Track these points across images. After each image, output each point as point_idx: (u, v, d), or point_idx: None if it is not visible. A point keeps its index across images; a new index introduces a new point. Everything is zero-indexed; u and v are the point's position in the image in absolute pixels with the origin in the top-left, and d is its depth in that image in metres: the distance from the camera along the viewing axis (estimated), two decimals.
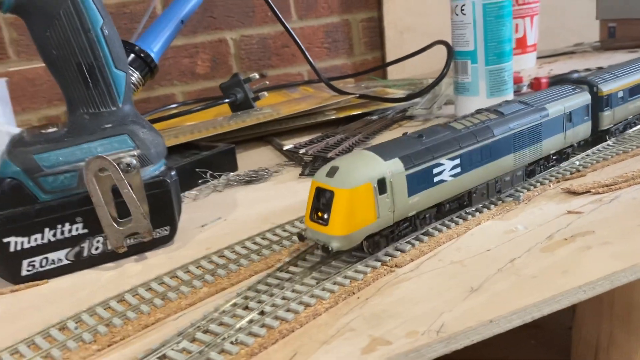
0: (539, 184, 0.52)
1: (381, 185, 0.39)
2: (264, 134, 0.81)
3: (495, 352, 0.55)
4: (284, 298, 0.36)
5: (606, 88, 0.58)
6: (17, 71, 1.10)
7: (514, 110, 0.50)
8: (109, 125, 0.46)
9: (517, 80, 0.93)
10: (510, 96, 0.76)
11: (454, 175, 0.44)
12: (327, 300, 0.36)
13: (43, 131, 0.46)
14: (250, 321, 0.34)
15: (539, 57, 1.20)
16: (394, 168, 0.40)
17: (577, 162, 0.55)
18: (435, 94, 0.90)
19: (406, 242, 0.42)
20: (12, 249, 0.43)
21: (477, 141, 0.45)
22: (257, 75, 0.87)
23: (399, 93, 0.91)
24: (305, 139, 0.75)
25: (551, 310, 0.35)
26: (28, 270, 0.44)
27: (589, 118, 0.56)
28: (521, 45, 1.12)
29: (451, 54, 0.78)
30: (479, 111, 0.50)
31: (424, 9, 1.39)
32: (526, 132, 0.49)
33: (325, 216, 0.38)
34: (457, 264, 0.40)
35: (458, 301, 0.35)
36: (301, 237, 0.42)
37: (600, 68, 0.83)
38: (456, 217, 0.46)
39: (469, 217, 0.46)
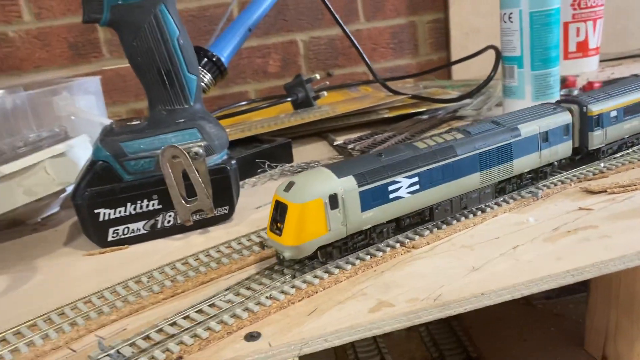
0: (560, 182, 0.56)
1: (333, 201, 0.42)
2: (321, 130, 0.88)
3: (515, 334, 0.59)
4: (313, 267, 0.44)
5: (596, 108, 0.58)
6: (110, 68, 1.24)
7: (482, 130, 0.51)
8: (182, 120, 0.55)
9: (571, 84, 0.95)
10: (556, 100, 0.80)
11: (412, 192, 0.46)
12: (348, 271, 0.43)
13: (128, 123, 0.56)
14: (283, 282, 0.42)
15: (603, 60, 1.20)
16: (346, 185, 0.43)
17: (602, 164, 0.59)
18: (488, 95, 0.94)
19: (425, 228, 0.49)
20: (101, 218, 0.53)
21: (438, 160, 0.47)
22: (317, 76, 0.95)
23: (452, 94, 0.96)
24: (357, 135, 0.82)
25: (539, 290, 0.40)
26: (113, 237, 0.54)
27: (569, 137, 0.57)
28: (582, 48, 1.13)
29: (499, 58, 0.82)
30: (448, 130, 0.51)
31: (490, 10, 1.41)
32: (494, 152, 0.50)
33: (281, 227, 0.42)
34: (466, 248, 0.46)
35: (459, 277, 0.41)
36: (263, 245, 0.47)
37: None
38: (476, 208, 0.52)
39: (488, 209, 0.52)
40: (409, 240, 0.47)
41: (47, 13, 1.23)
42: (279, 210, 0.42)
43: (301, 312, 0.39)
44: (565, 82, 0.97)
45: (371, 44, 1.45)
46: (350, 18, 1.42)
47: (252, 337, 0.37)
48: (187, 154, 0.53)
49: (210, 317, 0.38)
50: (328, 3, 0.98)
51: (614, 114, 0.60)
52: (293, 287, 0.41)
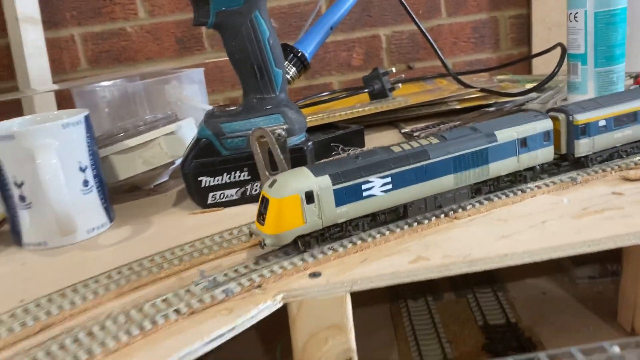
0: (601, 170, 0.62)
1: (309, 196, 0.48)
2: (394, 120, 0.97)
3: (555, 307, 0.66)
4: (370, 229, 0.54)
5: (582, 117, 0.60)
6: (211, 61, 1.39)
7: (458, 136, 0.55)
8: (269, 107, 0.66)
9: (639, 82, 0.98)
10: None
11: (385, 192, 0.51)
12: (397, 233, 0.52)
13: (227, 109, 0.68)
14: (342, 237, 0.52)
15: None
16: (322, 183, 0.48)
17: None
18: (557, 90, 0.99)
19: (469, 203, 0.57)
20: (203, 185, 0.66)
21: (410, 163, 0.52)
22: (394, 70, 1.03)
23: (523, 88, 1.01)
24: (425, 124, 0.90)
25: (557, 256, 0.47)
26: (212, 200, 0.67)
27: (550, 143, 0.59)
28: None
29: (564, 55, 0.87)
30: (426, 137, 0.55)
31: None
32: (469, 156, 0.54)
33: (264, 218, 0.48)
34: (501, 221, 0.53)
35: (489, 242, 0.49)
36: (251, 234, 0.52)
37: None
38: (517, 189, 0.59)
39: (528, 190, 0.59)
40: (452, 212, 0.55)
41: (159, 10, 1.40)
42: (264, 204, 0.49)
43: (354, 261, 0.49)
44: (638, 78, 0.99)
45: (452, 38, 1.51)
46: (433, 14, 1.48)
47: (314, 275, 0.47)
48: (271, 135, 0.64)
49: (283, 259, 0.49)
50: (404, 1, 1.06)
51: (602, 123, 0.61)
52: (350, 242, 0.51)
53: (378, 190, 0.51)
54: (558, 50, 0.93)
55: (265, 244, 0.48)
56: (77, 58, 1.41)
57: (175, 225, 0.64)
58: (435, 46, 1.06)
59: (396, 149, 0.53)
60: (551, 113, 0.62)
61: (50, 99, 1.29)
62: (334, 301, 0.46)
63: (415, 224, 0.54)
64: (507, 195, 0.58)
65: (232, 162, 0.66)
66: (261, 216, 0.49)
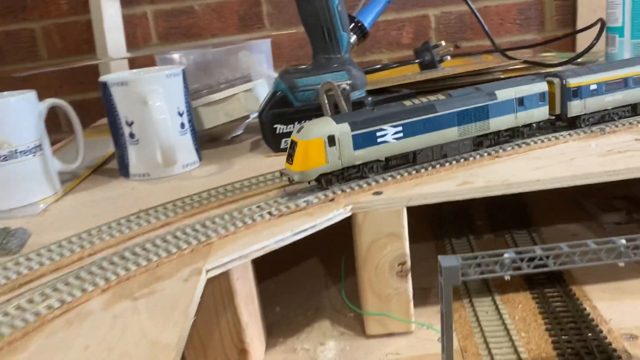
0: (628, 123, 0.70)
1: (331, 140, 0.56)
2: (441, 88, 1.06)
3: None
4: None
5: (574, 81, 0.67)
6: (274, 34, 1.50)
7: (462, 94, 0.63)
8: (335, 65, 0.77)
9: None
10: None
11: (397, 139, 0.59)
12: (447, 167, 0.62)
13: (299, 67, 0.79)
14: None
15: None
16: (342, 129, 0.56)
17: None
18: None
19: (508, 146, 0.66)
20: (277, 131, 0.77)
21: (419, 115, 0.60)
22: (443, 43, 1.12)
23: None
24: None
25: (580, 183, 0.56)
26: (284, 145, 0.78)
27: (545, 104, 0.66)
28: None
29: (603, 29, 0.94)
30: (434, 94, 0.64)
31: None
32: (471, 111, 0.62)
33: (292, 158, 0.56)
34: (536, 158, 0.63)
35: (524, 173, 0.59)
36: (281, 174, 0.59)
37: None
38: (552, 136, 0.68)
39: (560, 137, 0.67)
40: (495, 151, 0.65)
41: None
42: (292, 147, 0.56)
43: (410, 185, 0.59)
44: None
45: (498, 19, 1.58)
46: None
47: (377, 193, 0.58)
48: (338, 89, 0.74)
49: (354, 182, 0.60)
50: None
51: (594, 87, 0.68)
52: (406, 172, 0.62)
53: (390, 138, 0.58)
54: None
55: (293, 180, 0.57)
56: (148, 34, 1.54)
57: (254, 164, 0.76)
58: (483, 22, 1.15)
59: (407, 103, 0.61)
60: (547, 77, 0.68)
61: (124, 68, 1.42)
62: (393, 213, 0.56)
63: (462, 160, 0.64)
64: (542, 141, 0.67)
65: (303, 112, 0.76)
66: (290, 158, 0.57)
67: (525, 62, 1.05)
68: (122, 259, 0.48)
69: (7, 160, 0.66)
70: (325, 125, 0.57)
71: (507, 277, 0.47)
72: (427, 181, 0.60)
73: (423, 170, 0.62)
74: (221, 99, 0.84)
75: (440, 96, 0.62)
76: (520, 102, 0.64)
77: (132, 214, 0.59)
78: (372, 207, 0.56)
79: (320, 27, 0.75)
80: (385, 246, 0.57)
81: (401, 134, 0.59)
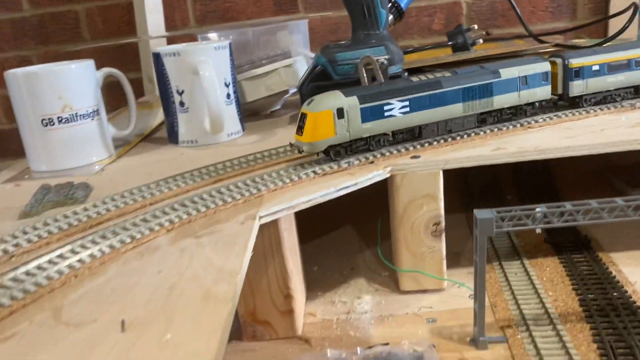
0: (596, 109, 0.71)
1: (340, 112, 0.58)
2: None
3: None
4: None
5: (576, 61, 0.69)
6: (310, 15, 1.53)
7: (468, 71, 0.64)
8: (374, 41, 0.80)
9: None
10: None
11: (403, 113, 0.61)
12: (481, 135, 0.66)
13: (339, 43, 0.83)
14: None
15: None
16: (351, 102, 0.58)
17: None
18: None
19: (540, 117, 0.69)
20: None
21: (426, 90, 0.61)
22: (476, 27, 1.15)
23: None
24: None
25: (610, 150, 0.59)
26: None
27: (548, 83, 0.68)
28: None
29: (635, 13, 0.96)
30: (439, 70, 0.65)
31: None
32: (476, 88, 0.64)
33: (302, 130, 0.58)
34: (567, 129, 0.66)
35: (555, 141, 0.62)
36: (291, 145, 0.61)
37: None
38: (583, 110, 0.70)
39: (591, 111, 0.70)
40: (527, 122, 0.68)
41: None
42: (302, 119, 0.58)
43: (446, 150, 0.63)
44: None
45: (530, 7, 1.59)
46: None
47: (415, 157, 0.61)
48: (376, 63, 0.78)
49: (394, 147, 0.63)
50: None
51: (596, 68, 0.69)
52: (442, 139, 0.65)
53: (397, 112, 0.60)
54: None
55: (302, 151, 0.59)
56: (186, 17, 1.59)
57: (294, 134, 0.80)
58: (516, 6, 1.17)
59: (414, 79, 0.63)
60: (551, 58, 0.70)
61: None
62: (430, 175, 0.60)
63: (495, 129, 0.67)
64: (573, 114, 0.70)
65: (342, 86, 0.80)
66: (300, 129, 0.59)
67: (556, 45, 1.07)
68: (183, 206, 0.52)
69: (68, 122, 0.71)
70: (334, 98, 0.59)
71: (538, 230, 0.51)
72: (462, 147, 0.63)
73: (458, 137, 0.65)
74: (262, 74, 0.88)
75: (446, 73, 0.64)
76: (524, 80, 0.66)
77: (186, 171, 0.63)
78: (410, 169, 0.60)
79: (360, 4, 0.79)
80: (422, 207, 0.61)
81: (408, 109, 0.61)
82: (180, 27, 1.60)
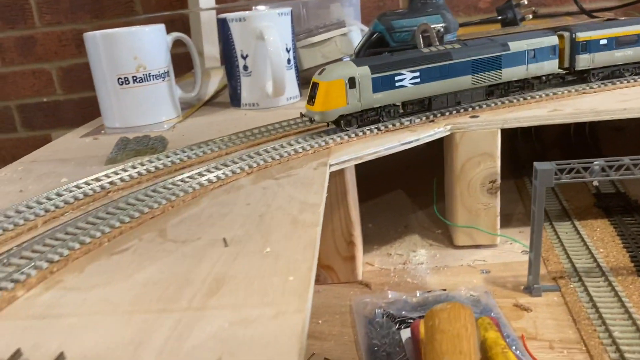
0: (602, 85, 0.71)
1: (351, 82, 0.57)
2: None
3: None
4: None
5: (583, 35, 0.67)
6: None
7: (477, 44, 0.64)
8: (431, 9, 0.83)
9: None
10: None
11: (414, 84, 0.60)
12: (537, 99, 0.68)
13: (396, 11, 0.86)
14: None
15: None
16: (363, 72, 0.57)
17: None
18: None
19: (596, 85, 0.71)
20: None
21: (436, 61, 0.61)
22: (525, 2, 1.16)
23: None
24: None
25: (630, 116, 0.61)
26: None
27: (556, 57, 0.68)
28: None
29: None
30: (450, 42, 0.66)
31: None
32: (485, 60, 0.63)
33: (314, 100, 0.58)
34: (623, 94, 0.67)
35: (611, 104, 0.64)
36: (302, 115, 0.61)
37: None
38: (617, 81, 0.72)
39: (624, 82, 0.71)
40: (582, 88, 0.70)
41: None
42: (314, 89, 0.58)
43: (504, 111, 0.65)
44: None
45: None
46: None
47: (474, 117, 0.64)
48: (433, 30, 0.80)
49: (453, 107, 0.66)
50: None
51: (603, 42, 0.68)
52: (500, 101, 0.67)
53: (408, 82, 0.60)
54: None
55: (314, 120, 0.59)
56: None
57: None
58: None
59: (425, 50, 0.63)
60: (559, 31, 0.70)
61: (212, 19, 1.52)
62: (488, 134, 0.63)
63: (551, 93, 0.69)
64: (628, 81, 0.71)
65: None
66: (311, 99, 0.58)
67: (608, 20, 1.08)
68: (258, 155, 0.56)
69: (142, 82, 0.76)
70: (346, 68, 0.58)
71: (595, 183, 0.53)
72: (519, 109, 0.66)
73: (515, 100, 0.68)
74: (319, 42, 0.92)
75: (456, 45, 0.64)
76: (532, 54, 0.66)
77: (254, 127, 0.67)
78: (469, 128, 0.63)
79: None
80: (479, 164, 0.64)
81: (418, 79, 0.61)
82: (230, 2, 1.64)
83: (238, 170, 0.53)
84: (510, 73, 0.66)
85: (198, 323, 0.30)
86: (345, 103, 0.58)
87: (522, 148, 0.99)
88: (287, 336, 0.28)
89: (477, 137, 0.63)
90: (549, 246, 0.65)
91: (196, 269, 0.35)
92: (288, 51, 0.82)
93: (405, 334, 0.50)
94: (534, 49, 0.66)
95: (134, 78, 0.75)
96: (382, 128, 0.63)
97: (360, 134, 0.61)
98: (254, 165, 0.54)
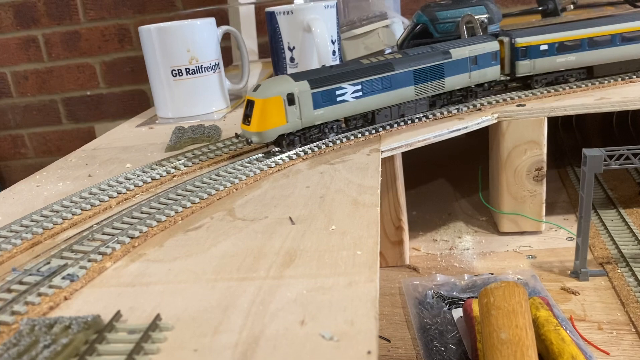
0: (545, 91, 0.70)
1: (290, 98, 0.53)
2: None
3: None
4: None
5: (523, 40, 0.65)
6: None
7: (418, 53, 0.61)
8: (474, 1, 0.84)
9: None
10: None
11: (356, 98, 0.56)
12: (583, 88, 0.69)
13: (439, 2, 0.87)
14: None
15: None
16: (302, 87, 0.53)
17: None
18: None
19: (637, 75, 0.71)
20: None
21: (378, 73, 0.57)
22: None
23: None
24: None
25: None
26: None
27: (497, 63, 0.65)
28: None
29: None
30: (391, 53, 0.61)
31: None
32: (427, 70, 0.60)
33: (250, 119, 0.53)
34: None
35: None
36: (237, 136, 0.57)
37: None
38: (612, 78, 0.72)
39: (619, 80, 0.71)
40: (628, 77, 0.70)
41: None
42: (249, 107, 0.53)
43: (551, 100, 0.66)
44: None
45: None
46: None
47: (521, 105, 0.65)
48: (477, 21, 0.82)
49: (499, 95, 0.68)
50: None
51: (544, 47, 0.66)
52: (546, 90, 0.68)
53: (350, 97, 0.56)
54: None
55: (251, 142, 0.54)
56: None
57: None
58: None
59: (365, 62, 0.59)
60: (499, 37, 0.68)
61: (251, 14, 1.56)
62: (534, 122, 0.64)
63: (597, 82, 0.69)
64: (602, 83, 0.71)
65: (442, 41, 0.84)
66: (247, 118, 0.54)
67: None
68: (311, 141, 0.59)
69: (194, 74, 0.79)
70: (284, 83, 0.54)
71: None
72: (566, 98, 0.66)
73: (561, 89, 0.68)
74: (362, 34, 0.94)
75: (397, 55, 0.61)
76: (474, 61, 0.64)
77: None
78: (516, 116, 0.64)
79: None
80: (525, 152, 0.65)
81: (360, 93, 0.57)
82: None
83: (294, 156, 0.55)
84: (454, 82, 0.63)
85: (278, 289, 0.32)
86: (285, 121, 0.54)
87: (563, 137, 0.99)
88: (363, 301, 0.30)
89: (524, 125, 0.64)
90: (595, 233, 0.66)
91: (268, 244, 0.38)
92: (333, 43, 0.85)
93: (457, 313, 0.52)
94: (475, 56, 0.64)
95: (187, 70, 0.79)
96: (431, 116, 0.64)
97: (410, 122, 0.63)
98: (309, 151, 0.56)
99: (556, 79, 0.69)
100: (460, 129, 0.62)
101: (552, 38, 0.66)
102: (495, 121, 0.64)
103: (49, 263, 0.38)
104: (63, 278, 0.35)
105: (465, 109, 0.65)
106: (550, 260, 0.63)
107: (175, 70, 0.78)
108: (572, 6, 1.16)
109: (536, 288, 0.56)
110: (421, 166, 0.74)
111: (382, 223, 0.63)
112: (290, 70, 0.85)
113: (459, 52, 0.63)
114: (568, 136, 0.99)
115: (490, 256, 0.65)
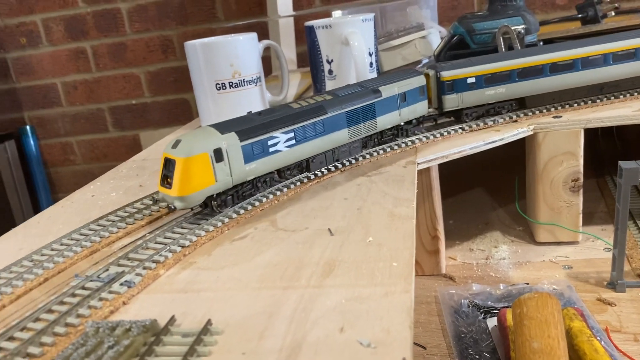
0: (475, 125, 0.70)
1: (218, 154, 0.46)
2: None
3: None
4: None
5: (448, 74, 0.63)
6: None
7: (348, 93, 0.58)
8: (511, 11, 0.85)
9: None
10: None
11: (289, 146, 0.52)
12: (620, 99, 0.69)
13: (476, 13, 0.88)
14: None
15: None
16: (230, 140, 0.47)
17: None
18: None
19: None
20: None
21: (310, 117, 0.53)
22: None
23: None
24: None
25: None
26: None
27: (425, 97, 0.63)
28: None
29: None
30: (320, 94, 0.57)
31: None
32: (359, 110, 0.57)
33: (170, 181, 0.45)
34: None
35: None
36: (155, 201, 0.50)
37: None
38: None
39: (612, 97, 0.70)
40: (629, 94, 0.70)
41: None
42: (169, 166, 0.46)
43: (587, 111, 0.67)
44: None
45: None
46: None
47: (557, 117, 0.66)
48: (513, 32, 0.82)
49: (536, 107, 0.68)
50: None
51: (471, 80, 0.64)
52: (582, 101, 0.69)
53: (283, 146, 0.52)
54: None
55: (174, 207, 0.47)
56: None
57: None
58: None
59: (295, 106, 0.54)
60: (425, 70, 0.65)
61: (290, 25, 1.59)
62: (571, 134, 0.64)
63: (627, 94, 0.69)
64: (601, 100, 0.71)
65: (479, 54, 0.85)
66: (166, 179, 0.46)
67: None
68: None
69: (237, 87, 0.82)
70: (208, 137, 0.47)
71: None
72: (602, 109, 0.67)
73: (598, 100, 0.69)
74: (399, 45, 0.95)
75: (327, 96, 0.58)
76: (403, 97, 0.62)
77: None
78: (552, 128, 0.65)
79: None
80: (562, 163, 0.66)
81: (293, 141, 0.53)
82: (305, 7, 1.71)
83: (332, 168, 0.58)
84: (385, 120, 0.61)
85: (319, 298, 0.34)
86: (213, 181, 0.47)
87: (603, 147, 0.98)
88: (398, 311, 0.32)
89: (560, 137, 0.65)
90: (632, 244, 0.66)
91: (309, 254, 0.40)
92: (370, 55, 0.87)
93: (492, 322, 0.53)
94: (404, 92, 0.62)
95: (230, 84, 0.82)
96: (467, 128, 0.66)
97: (446, 133, 0.65)
98: (346, 163, 0.59)
99: (487, 112, 0.67)
100: (496, 141, 0.63)
101: (479, 70, 0.65)
102: (531, 133, 0.65)
103: (107, 270, 0.41)
104: (121, 284, 0.39)
105: (502, 120, 0.67)
106: (587, 271, 0.63)
107: (219, 84, 0.82)
108: (613, 12, 1.15)
109: (571, 299, 0.57)
110: (458, 175, 0.75)
111: (419, 232, 0.65)
112: (328, 83, 0.88)
113: (388, 90, 0.60)
114: (608, 145, 0.98)
115: (526, 266, 0.66)
